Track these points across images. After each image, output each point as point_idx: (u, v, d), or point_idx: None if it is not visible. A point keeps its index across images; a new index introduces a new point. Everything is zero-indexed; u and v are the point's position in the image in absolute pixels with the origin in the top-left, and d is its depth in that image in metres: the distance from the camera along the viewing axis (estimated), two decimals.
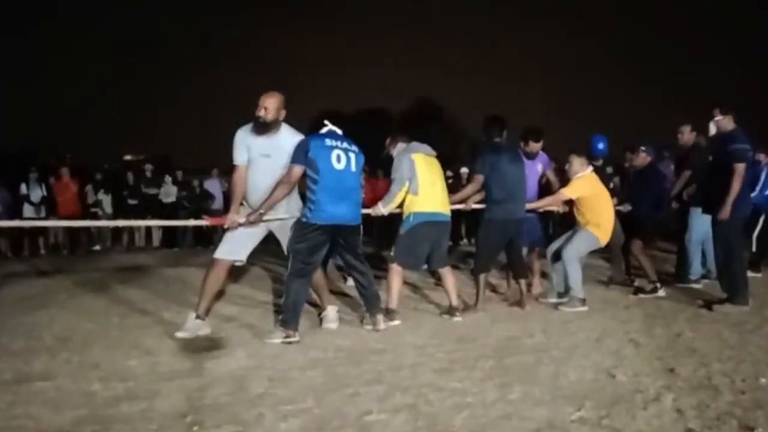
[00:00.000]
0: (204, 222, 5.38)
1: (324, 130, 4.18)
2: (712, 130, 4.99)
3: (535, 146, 5.42)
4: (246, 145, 4.03)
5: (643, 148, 5.86)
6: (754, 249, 6.95)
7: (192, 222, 6.67)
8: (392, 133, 5.04)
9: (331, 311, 4.44)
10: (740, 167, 4.76)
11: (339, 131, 4.21)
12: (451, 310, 4.78)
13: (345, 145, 4.11)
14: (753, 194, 6.76)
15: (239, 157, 4.06)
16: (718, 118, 4.90)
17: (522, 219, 5.04)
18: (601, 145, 6.33)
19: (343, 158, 4.04)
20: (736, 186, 4.76)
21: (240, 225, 4.02)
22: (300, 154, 3.95)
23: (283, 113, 4.06)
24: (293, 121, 4.18)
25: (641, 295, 5.49)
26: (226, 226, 4.09)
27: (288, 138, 4.05)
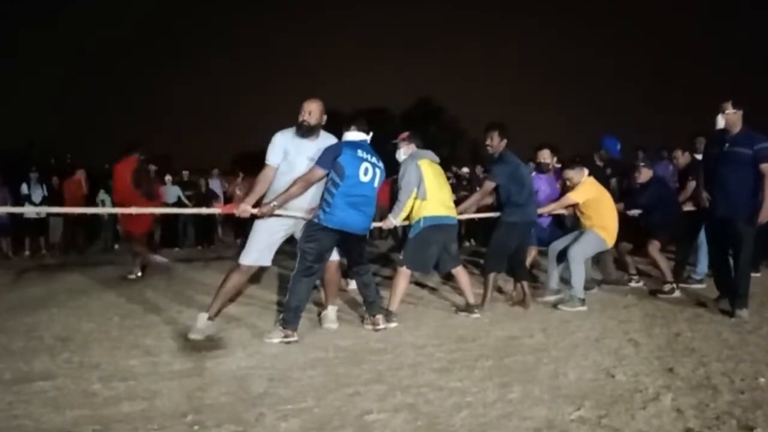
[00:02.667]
0: (216, 210, 5.42)
1: (356, 138, 4.21)
2: (721, 123, 4.65)
3: (545, 155, 5.65)
4: (284, 148, 4.07)
5: (642, 163, 5.95)
6: None
7: (204, 210, 6.74)
8: (409, 132, 4.98)
9: (331, 311, 4.45)
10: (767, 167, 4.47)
11: (368, 138, 4.26)
12: (468, 308, 4.85)
13: (374, 160, 4.17)
14: None
15: (272, 158, 4.09)
16: (730, 111, 4.60)
17: (534, 222, 5.20)
18: (618, 147, 6.43)
19: (370, 172, 4.11)
20: None
21: (252, 215, 4.05)
22: (328, 159, 3.98)
23: (324, 117, 4.17)
24: (293, 123, 4.17)
25: (660, 296, 5.51)
26: (237, 214, 4.09)
27: (325, 142, 4.15)
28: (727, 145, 4.64)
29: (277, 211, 4.01)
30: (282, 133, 4.14)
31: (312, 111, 4.09)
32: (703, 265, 6.09)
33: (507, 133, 5.04)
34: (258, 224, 4.12)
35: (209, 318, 4.07)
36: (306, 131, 4.08)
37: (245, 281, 4.29)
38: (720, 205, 4.72)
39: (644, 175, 5.92)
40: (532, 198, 5.08)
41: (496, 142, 5.00)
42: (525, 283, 5.18)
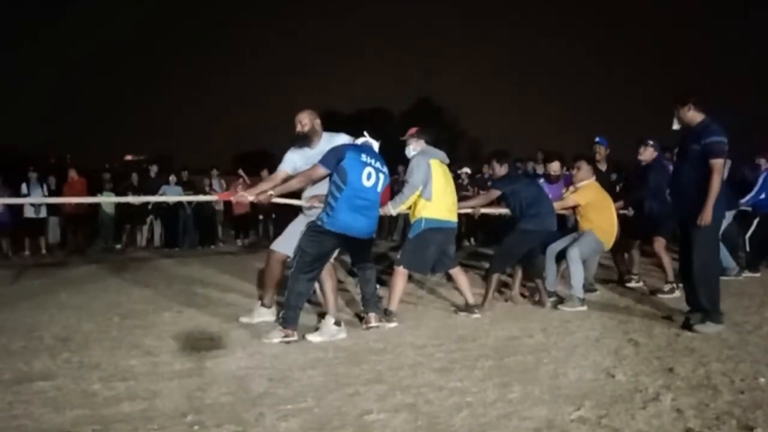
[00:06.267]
0: (213, 197, 5.48)
1: (360, 141, 4.23)
2: (675, 125, 4.35)
3: (556, 167, 5.85)
4: (293, 159, 4.37)
5: (651, 141, 5.88)
6: (747, 249, 6.97)
7: (202, 198, 6.75)
8: (418, 128, 4.91)
9: (328, 320, 4.12)
10: (718, 163, 4.08)
11: (375, 145, 4.26)
12: (468, 308, 4.85)
13: (378, 164, 4.15)
14: (749, 197, 6.79)
15: (282, 166, 4.41)
16: (681, 110, 4.28)
17: (553, 232, 5.23)
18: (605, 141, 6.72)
19: (373, 176, 4.09)
20: (715, 185, 4.05)
21: (249, 201, 4.31)
22: (331, 159, 4.00)
23: (318, 122, 4.32)
24: (292, 125, 4.29)
25: (660, 296, 5.50)
26: (234, 200, 4.28)
27: (328, 144, 4.24)
28: (684, 142, 4.35)
29: (274, 200, 4.15)
30: (291, 149, 4.41)
31: (302, 120, 4.26)
32: None
33: (506, 159, 5.20)
34: (291, 224, 4.44)
35: (262, 305, 4.50)
36: (304, 140, 4.29)
37: (282, 267, 4.45)
38: (677, 206, 4.42)
39: (648, 153, 5.85)
40: (547, 208, 5.05)
41: (496, 170, 5.18)
42: (539, 281, 5.22)
